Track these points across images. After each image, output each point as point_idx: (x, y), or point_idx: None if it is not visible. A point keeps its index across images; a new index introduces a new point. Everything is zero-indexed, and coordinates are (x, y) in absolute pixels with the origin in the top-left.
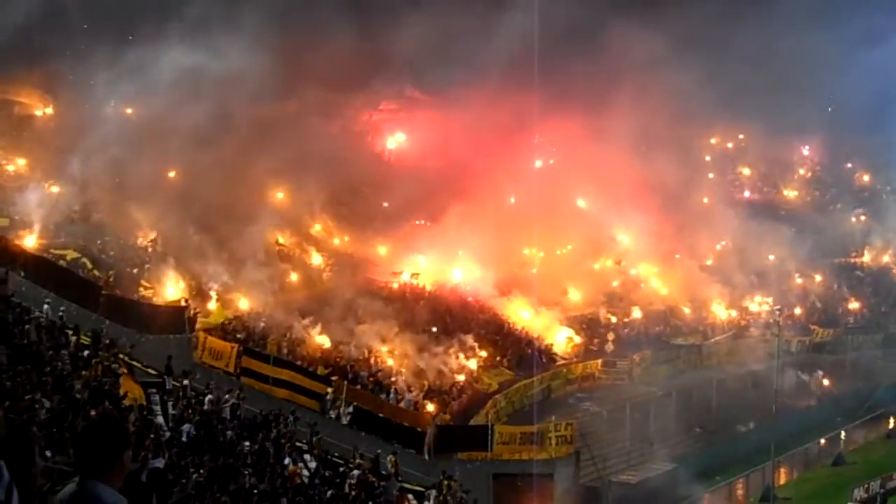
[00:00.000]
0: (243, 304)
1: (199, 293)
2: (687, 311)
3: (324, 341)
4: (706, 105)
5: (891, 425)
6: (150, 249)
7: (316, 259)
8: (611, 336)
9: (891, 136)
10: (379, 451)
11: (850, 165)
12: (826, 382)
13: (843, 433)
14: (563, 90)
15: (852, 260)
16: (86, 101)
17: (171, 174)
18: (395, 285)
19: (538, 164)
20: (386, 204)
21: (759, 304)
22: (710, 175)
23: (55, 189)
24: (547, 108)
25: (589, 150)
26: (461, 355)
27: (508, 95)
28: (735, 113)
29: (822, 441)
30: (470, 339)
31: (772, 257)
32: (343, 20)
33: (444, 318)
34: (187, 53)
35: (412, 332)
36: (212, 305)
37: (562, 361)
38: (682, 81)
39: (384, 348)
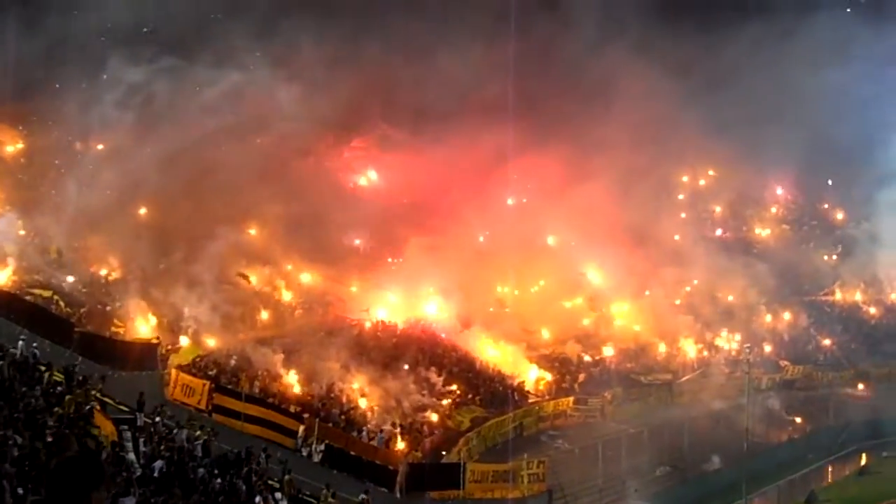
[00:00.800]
0: (213, 341)
1: (171, 330)
2: (659, 348)
3: (295, 379)
4: (679, 142)
5: (863, 462)
6: (110, 281)
7: (287, 296)
8: (581, 377)
9: (865, 174)
10: (362, 495)
11: (826, 206)
12: (797, 419)
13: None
14: (536, 128)
15: (823, 297)
16: (58, 137)
17: (142, 211)
18: (367, 323)
19: (510, 202)
20: (358, 241)
21: (730, 342)
22: (683, 212)
23: (23, 231)
24: (521, 146)
25: (562, 188)
26: (433, 393)
27: (482, 133)
28: (708, 150)
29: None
30: (442, 377)
31: (742, 295)
32: (315, 55)
33: (415, 356)
34: (159, 90)
35: (384, 369)
36: (184, 341)
37: (534, 399)
38: (656, 118)
39: (355, 385)
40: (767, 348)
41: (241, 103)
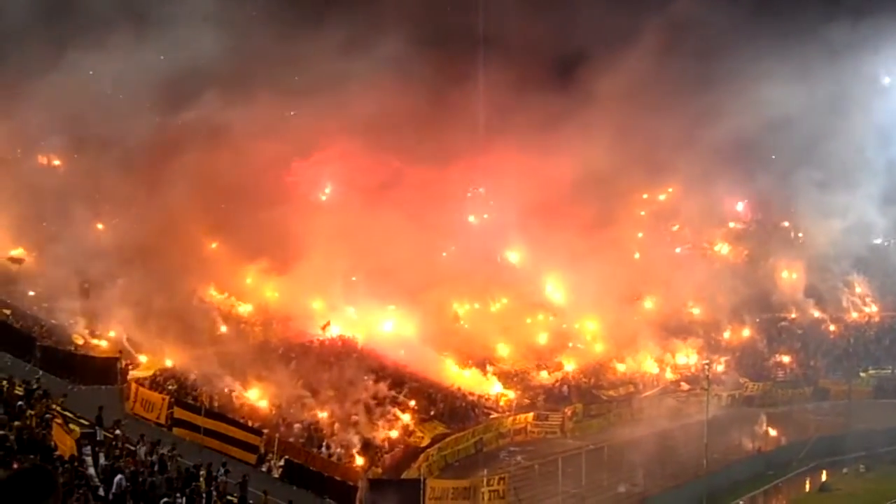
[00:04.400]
0: (172, 357)
1: (131, 344)
2: (619, 365)
3: (255, 394)
4: (640, 159)
5: (823, 478)
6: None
7: (247, 311)
8: (541, 396)
9: (826, 192)
10: None
11: (786, 224)
12: (757, 436)
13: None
14: (499, 144)
15: (783, 314)
16: (16, 151)
17: (100, 227)
18: (327, 338)
19: (472, 218)
20: (319, 256)
21: (689, 358)
22: (642, 230)
23: None
24: (483, 162)
25: (523, 206)
26: (394, 409)
27: (444, 147)
28: (669, 167)
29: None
30: (403, 393)
31: (702, 311)
32: (274, 66)
33: (376, 372)
34: (118, 103)
35: (344, 385)
36: (143, 357)
37: (494, 415)
38: (618, 135)
39: (315, 401)
40: (726, 366)
41: (198, 115)
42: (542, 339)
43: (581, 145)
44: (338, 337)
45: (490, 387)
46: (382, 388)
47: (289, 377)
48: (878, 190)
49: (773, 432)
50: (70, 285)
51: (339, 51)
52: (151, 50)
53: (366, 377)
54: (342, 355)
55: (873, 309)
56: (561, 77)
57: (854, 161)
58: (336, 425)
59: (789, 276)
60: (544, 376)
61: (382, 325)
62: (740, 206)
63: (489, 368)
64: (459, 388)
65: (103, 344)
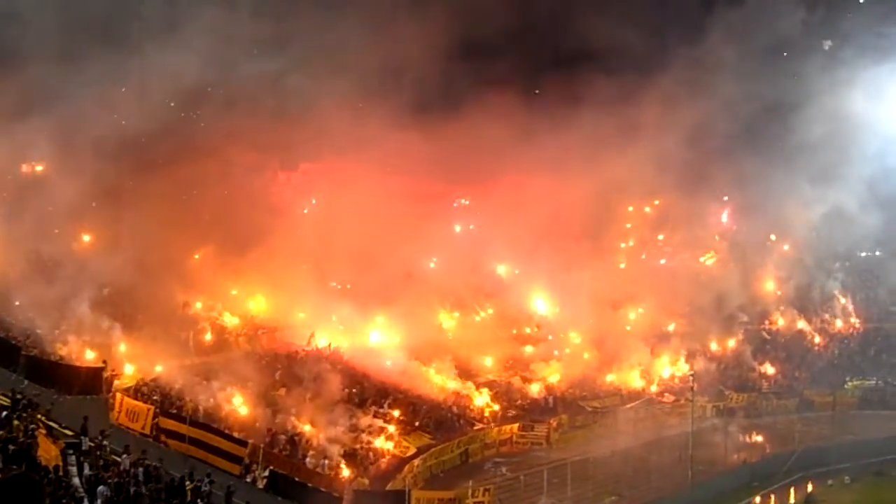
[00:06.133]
0: (158, 368)
1: (114, 354)
2: (604, 377)
3: (239, 404)
4: (626, 171)
5: (809, 490)
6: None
7: (232, 322)
8: (525, 403)
9: (812, 205)
10: None
11: (773, 237)
12: (741, 448)
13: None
14: (486, 155)
15: (767, 325)
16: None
17: (86, 238)
18: (312, 349)
19: (457, 228)
20: (304, 266)
21: (674, 370)
22: (628, 241)
23: None
24: (469, 173)
25: (509, 217)
26: (379, 420)
27: (429, 160)
28: (654, 179)
29: None
30: (387, 403)
31: (687, 323)
32: (261, 78)
33: (361, 383)
34: (104, 110)
35: (329, 396)
36: (129, 369)
37: (479, 426)
38: (603, 146)
39: (294, 412)
40: (712, 376)
41: (184, 125)
42: (528, 350)
43: (568, 157)
44: (323, 348)
45: (475, 398)
46: (367, 398)
47: (274, 387)
48: (863, 201)
49: (757, 444)
50: (54, 294)
51: (326, 62)
52: (139, 58)
53: (350, 388)
54: (327, 366)
55: (857, 320)
56: (547, 88)
57: (841, 172)
58: (321, 436)
59: (774, 288)
60: (529, 387)
61: (368, 336)
62: (725, 217)
63: (472, 380)
64: (444, 399)
65: (88, 354)
